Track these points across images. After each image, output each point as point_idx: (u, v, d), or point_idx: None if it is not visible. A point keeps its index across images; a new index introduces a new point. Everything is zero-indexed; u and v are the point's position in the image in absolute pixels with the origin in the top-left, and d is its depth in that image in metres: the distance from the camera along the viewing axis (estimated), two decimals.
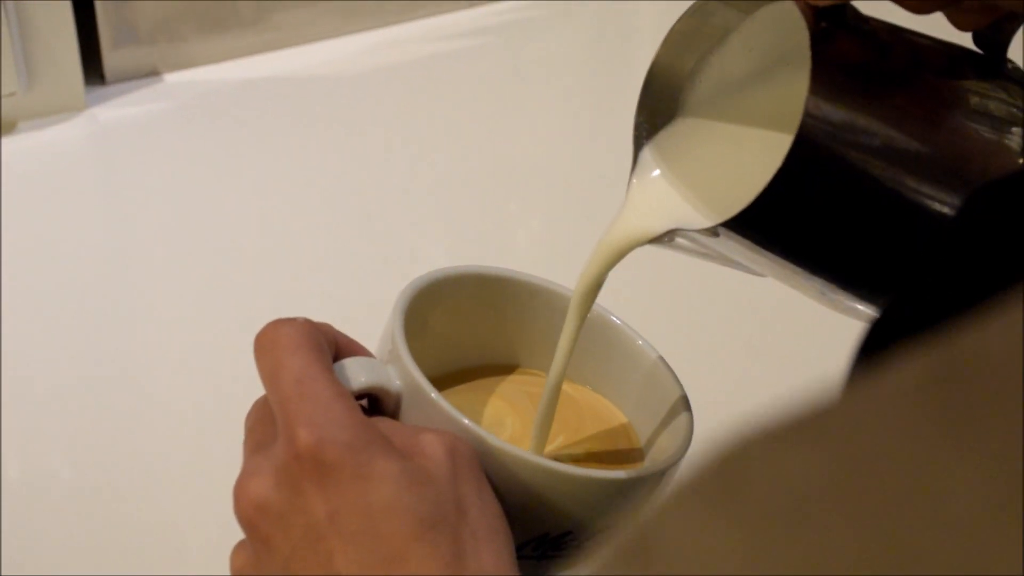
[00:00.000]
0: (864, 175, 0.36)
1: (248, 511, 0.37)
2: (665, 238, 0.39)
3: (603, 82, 0.93)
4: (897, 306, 0.31)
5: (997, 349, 0.17)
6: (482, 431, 0.38)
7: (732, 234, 0.37)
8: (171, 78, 0.86)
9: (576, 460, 0.44)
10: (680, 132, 0.41)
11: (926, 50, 0.38)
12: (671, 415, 0.43)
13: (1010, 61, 0.39)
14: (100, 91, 0.84)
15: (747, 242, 0.37)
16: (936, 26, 0.40)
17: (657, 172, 0.40)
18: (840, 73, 0.36)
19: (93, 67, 0.84)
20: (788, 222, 0.37)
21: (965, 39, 0.40)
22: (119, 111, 0.84)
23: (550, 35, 0.95)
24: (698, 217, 0.38)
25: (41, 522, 0.60)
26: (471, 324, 0.45)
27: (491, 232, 0.79)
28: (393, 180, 0.81)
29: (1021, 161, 0.37)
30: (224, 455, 0.56)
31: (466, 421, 0.38)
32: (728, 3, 0.40)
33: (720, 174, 0.40)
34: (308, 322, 0.39)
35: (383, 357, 0.41)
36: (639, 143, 0.41)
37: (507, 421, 0.44)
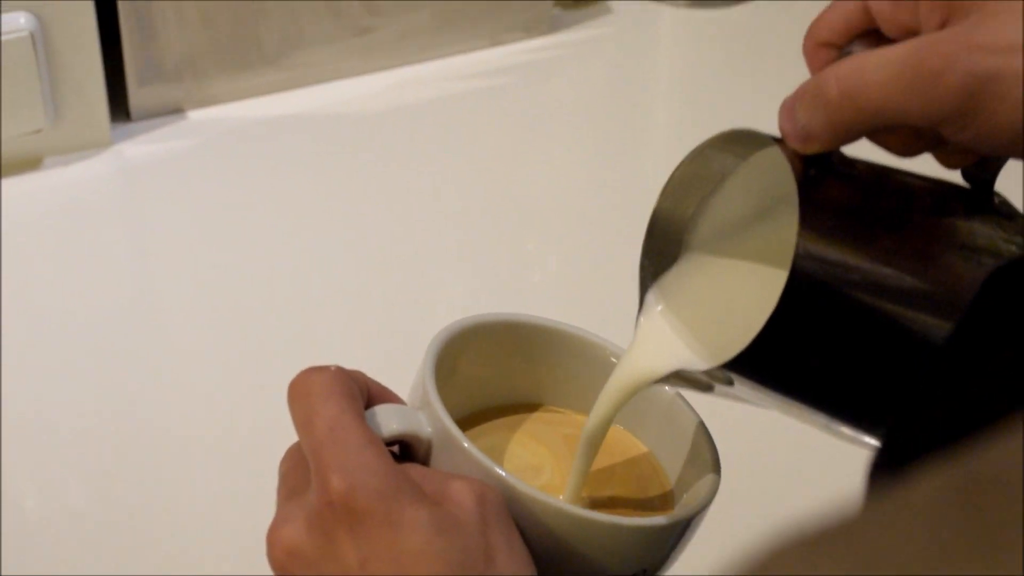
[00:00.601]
0: (857, 314, 0.37)
1: (281, 557, 0.37)
2: (670, 379, 0.41)
3: (621, 123, 0.93)
4: (901, 430, 0.31)
5: (1014, 463, 0.18)
6: (511, 478, 0.39)
7: (733, 374, 0.38)
8: (195, 115, 0.88)
9: (607, 502, 0.44)
10: (683, 273, 0.42)
11: (914, 188, 0.39)
12: (695, 448, 0.44)
13: (997, 194, 0.40)
14: (126, 127, 0.86)
15: (748, 381, 0.38)
16: (926, 162, 0.41)
17: (660, 315, 0.41)
18: (829, 216, 0.37)
19: (119, 104, 0.86)
20: (785, 362, 0.38)
21: (954, 175, 0.41)
22: (144, 147, 0.85)
23: (569, 76, 0.96)
24: (699, 359, 0.39)
25: (59, 553, 0.61)
26: (499, 368, 0.46)
27: (508, 271, 0.79)
28: (413, 218, 0.82)
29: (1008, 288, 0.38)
30: (245, 493, 0.57)
31: (496, 468, 0.39)
32: (723, 150, 0.41)
33: (721, 315, 0.41)
34: (341, 370, 0.40)
35: (414, 403, 0.42)
36: (645, 284, 0.42)
37: (545, 467, 0.45)
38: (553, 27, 0.98)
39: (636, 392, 0.42)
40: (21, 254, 0.78)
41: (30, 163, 0.82)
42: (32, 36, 0.77)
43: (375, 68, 0.92)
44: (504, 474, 0.39)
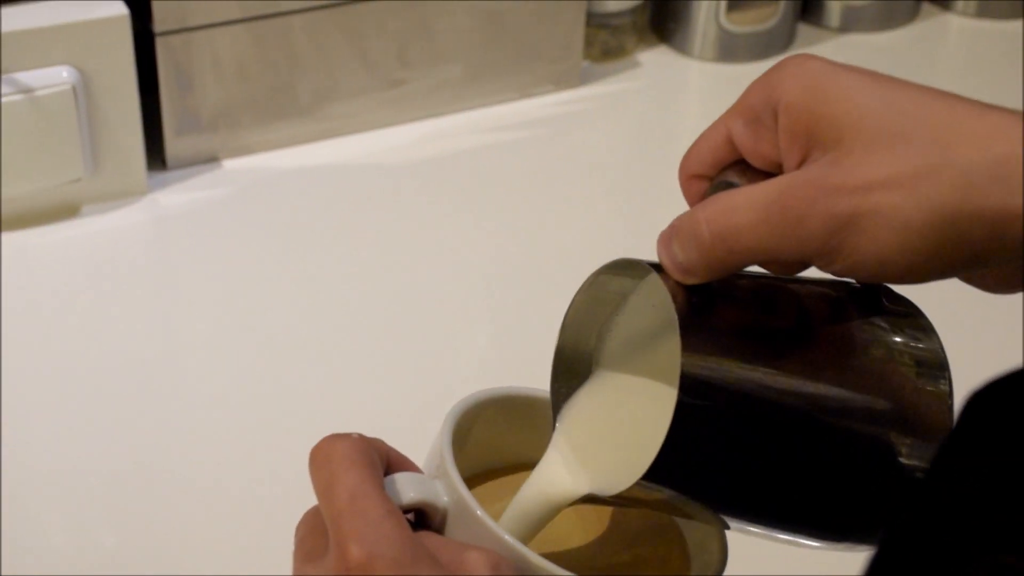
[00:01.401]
0: (759, 430, 0.38)
1: None
2: (579, 503, 0.41)
3: (649, 176, 0.95)
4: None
5: None
6: (525, 549, 0.40)
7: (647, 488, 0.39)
8: (230, 164, 0.89)
9: (627, 564, 0.44)
10: (593, 391, 0.43)
11: (806, 297, 0.40)
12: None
13: (885, 288, 0.41)
14: (162, 176, 0.87)
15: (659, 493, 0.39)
16: None
17: (568, 440, 0.42)
18: (715, 340, 0.38)
19: (156, 153, 0.87)
20: (689, 483, 0.39)
21: None
22: (180, 196, 0.87)
23: (597, 129, 0.98)
24: (603, 485, 0.40)
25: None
26: (513, 437, 0.46)
27: (536, 327, 0.80)
28: (442, 270, 0.83)
29: (905, 386, 0.39)
30: (262, 547, 0.57)
31: (510, 539, 0.40)
32: (617, 275, 0.42)
33: (624, 438, 0.42)
34: (362, 438, 0.41)
35: (431, 471, 0.43)
36: (557, 407, 0.43)
37: (575, 534, 0.45)
38: (582, 80, 0.99)
39: (548, 517, 0.42)
40: (57, 300, 0.79)
41: (68, 211, 0.84)
42: (74, 89, 0.79)
43: (407, 119, 0.94)
44: (518, 545, 0.40)
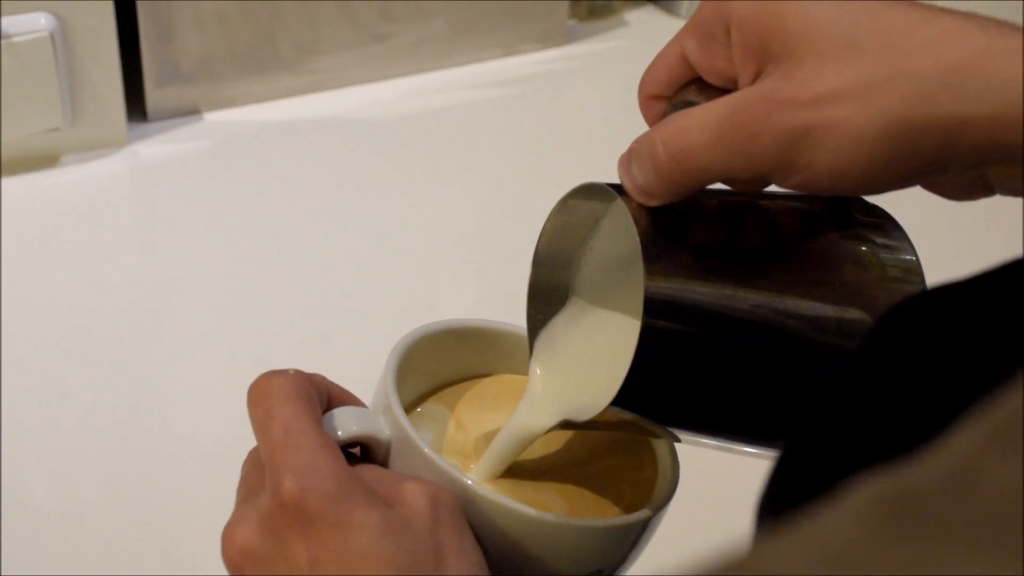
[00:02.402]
0: (724, 348, 0.38)
1: (234, 556, 0.38)
2: (557, 428, 0.41)
3: (632, 134, 0.94)
4: (790, 457, 0.32)
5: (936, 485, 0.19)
6: (467, 479, 0.40)
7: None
8: (211, 117, 0.89)
9: (595, 475, 0.44)
10: (569, 318, 0.43)
11: (775, 212, 0.40)
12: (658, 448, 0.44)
13: (858, 199, 0.41)
14: (142, 128, 0.87)
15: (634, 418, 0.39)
16: None
17: (545, 366, 0.43)
18: (681, 260, 0.38)
19: (136, 104, 0.87)
20: (661, 401, 0.39)
21: None
22: (160, 148, 0.86)
23: (582, 87, 0.97)
24: (579, 410, 0.40)
25: (69, 539, 0.62)
26: (455, 360, 0.47)
27: (516, 279, 0.80)
28: (423, 224, 0.83)
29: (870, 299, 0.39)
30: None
31: (451, 470, 0.40)
32: (586, 199, 0.42)
33: (598, 363, 0.42)
34: (299, 373, 0.41)
35: (377, 407, 0.43)
36: (533, 333, 0.43)
37: (542, 452, 0.45)
38: (568, 38, 0.98)
39: (528, 445, 0.43)
40: (36, 250, 0.78)
41: (47, 160, 0.83)
42: (52, 36, 0.78)
43: (390, 75, 0.93)
44: (459, 476, 0.40)
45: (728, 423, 0.40)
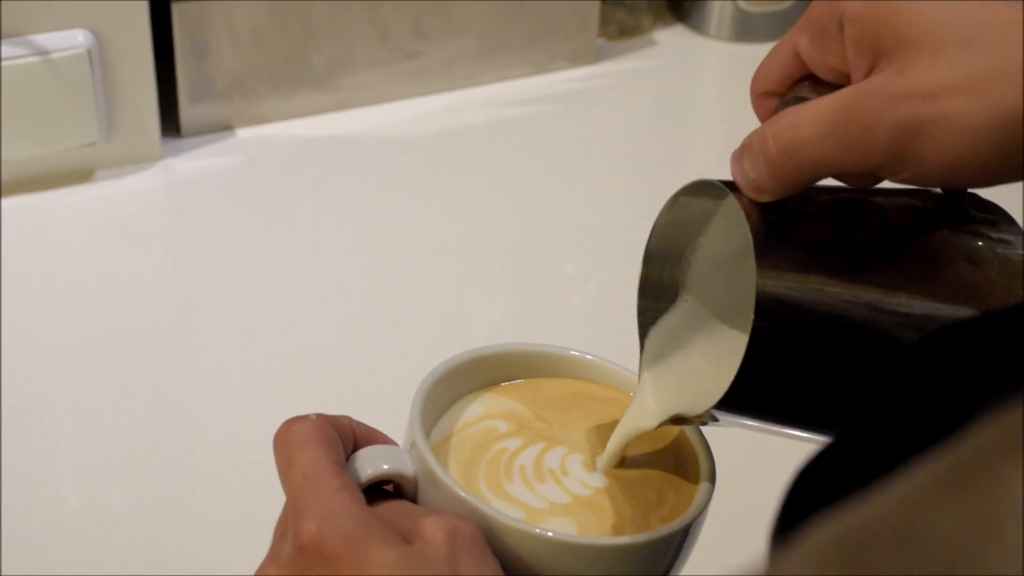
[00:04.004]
0: (838, 344, 0.38)
1: None
2: (666, 424, 0.42)
3: (660, 154, 0.95)
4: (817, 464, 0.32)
5: (890, 514, 0.19)
6: (490, 509, 0.40)
7: (723, 414, 0.39)
8: (244, 133, 0.89)
9: (635, 483, 0.44)
10: (679, 315, 0.43)
11: (888, 209, 0.40)
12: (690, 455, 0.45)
13: (970, 195, 0.41)
14: (176, 143, 0.88)
15: (743, 418, 0.39)
16: None
17: (656, 363, 0.43)
18: (793, 257, 0.38)
19: (170, 120, 0.88)
20: (767, 399, 0.39)
21: None
22: (193, 163, 0.87)
23: (611, 106, 0.97)
24: (689, 407, 0.41)
25: (98, 550, 0.62)
26: (484, 386, 0.47)
27: (548, 295, 0.81)
28: (454, 241, 0.83)
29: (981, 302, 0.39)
30: (270, 502, 0.58)
31: (474, 501, 0.40)
32: (697, 196, 0.42)
33: (708, 359, 0.42)
34: (321, 417, 0.42)
35: (405, 444, 0.43)
36: (644, 328, 0.44)
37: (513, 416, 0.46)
38: (597, 57, 0.99)
39: (637, 437, 0.43)
40: (71, 263, 0.79)
41: (83, 175, 0.84)
42: (89, 53, 0.79)
43: (421, 92, 0.94)
44: (482, 506, 0.40)
45: (819, 417, 0.40)
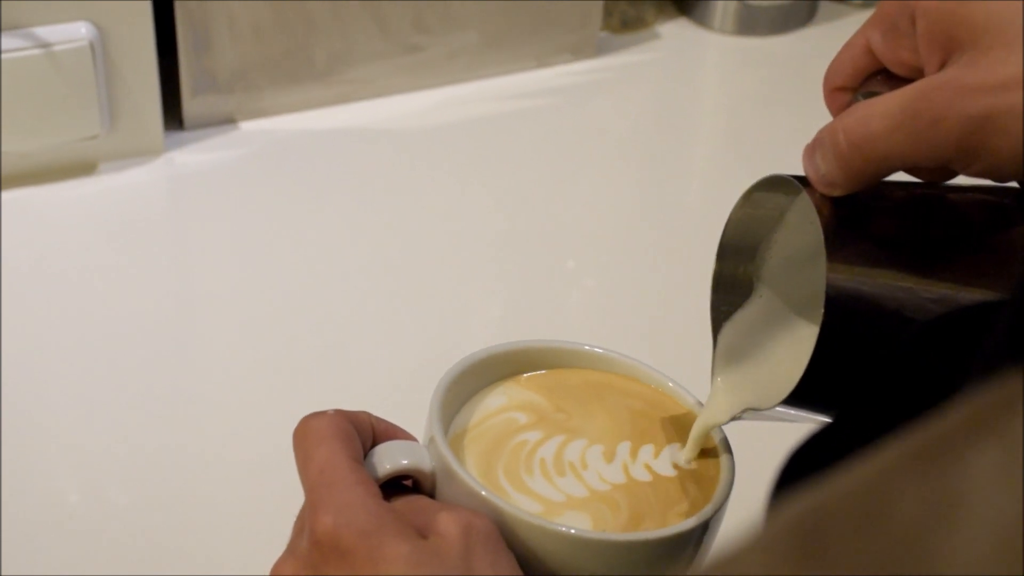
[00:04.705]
0: (902, 342, 0.38)
1: None
2: (738, 417, 0.42)
3: (663, 147, 0.94)
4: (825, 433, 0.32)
5: (854, 495, 0.19)
6: (501, 502, 0.40)
7: (792, 409, 0.39)
8: (246, 126, 0.90)
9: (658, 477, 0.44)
10: (753, 310, 0.44)
11: (962, 207, 0.40)
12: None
13: None
14: (178, 136, 0.88)
15: (813, 413, 0.39)
16: None
17: (730, 355, 0.43)
18: (867, 252, 0.38)
19: (173, 113, 0.88)
20: (835, 393, 0.39)
21: None
22: (195, 156, 0.87)
23: (613, 99, 0.97)
24: (759, 401, 0.41)
25: (96, 545, 0.62)
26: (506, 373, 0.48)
27: (548, 289, 0.81)
28: (455, 235, 0.83)
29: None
30: (270, 498, 0.58)
31: (491, 496, 0.40)
32: (770, 191, 0.42)
33: (784, 350, 0.42)
34: (339, 413, 0.42)
35: (424, 439, 0.44)
36: (718, 323, 0.44)
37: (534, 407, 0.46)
38: (600, 51, 0.99)
39: (711, 431, 0.44)
40: (73, 256, 0.79)
41: (85, 168, 0.84)
42: (91, 45, 0.79)
43: (422, 86, 0.94)
44: (499, 501, 0.40)
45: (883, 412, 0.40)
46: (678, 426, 0.45)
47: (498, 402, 0.46)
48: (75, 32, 0.79)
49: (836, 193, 0.39)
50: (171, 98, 0.87)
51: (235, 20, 0.86)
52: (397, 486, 0.43)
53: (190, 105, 0.88)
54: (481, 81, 0.95)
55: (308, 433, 0.41)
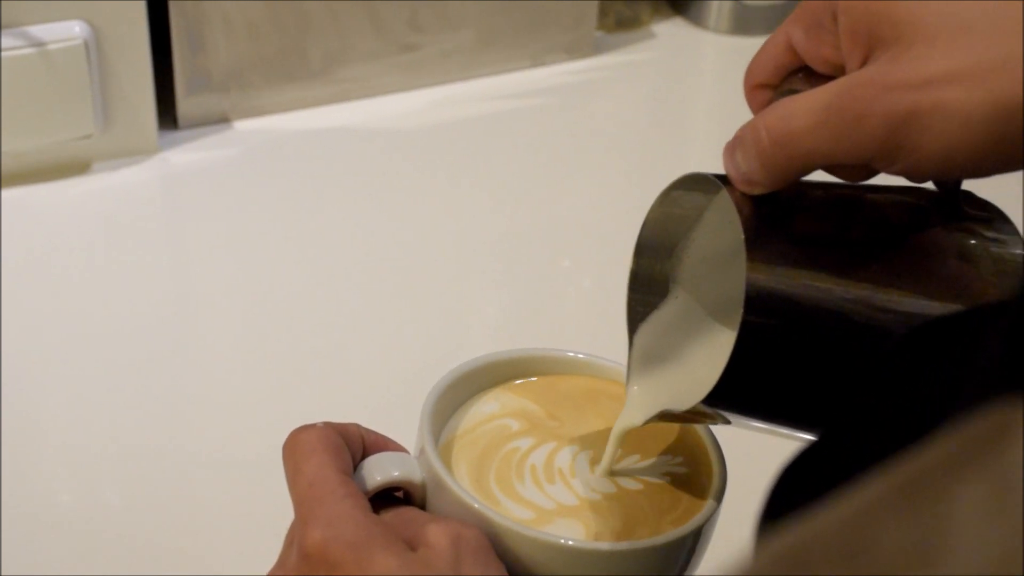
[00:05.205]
0: (821, 342, 0.38)
1: None
2: (654, 420, 0.42)
3: (659, 147, 0.94)
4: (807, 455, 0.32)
5: (840, 529, 0.19)
6: (491, 513, 0.40)
7: (711, 409, 0.39)
8: (241, 125, 0.89)
9: (646, 485, 0.44)
10: (670, 310, 0.43)
11: (882, 206, 0.40)
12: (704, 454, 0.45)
13: (965, 193, 0.40)
14: (172, 135, 0.87)
15: (731, 414, 0.39)
16: None
17: (646, 356, 0.43)
18: (786, 252, 0.38)
19: (167, 112, 0.87)
20: (755, 394, 0.39)
21: None
22: (190, 155, 0.87)
23: (609, 98, 0.97)
24: (682, 398, 0.40)
25: (91, 546, 0.62)
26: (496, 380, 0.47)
27: (544, 289, 0.80)
28: (451, 234, 0.83)
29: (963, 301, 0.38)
30: (265, 499, 0.58)
31: (481, 507, 0.40)
32: (689, 191, 0.42)
33: (701, 351, 0.42)
34: (328, 425, 0.42)
35: (415, 450, 0.43)
36: (634, 324, 0.43)
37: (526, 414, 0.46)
38: (596, 50, 0.99)
39: (625, 435, 0.43)
40: (67, 255, 0.79)
41: (79, 167, 0.84)
42: (86, 44, 0.79)
43: (417, 85, 0.94)
44: (488, 512, 0.40)
45: (808, 415, 0.40)
46: (670, 432, 0.45)
47: (490, 408, 0.46)
48: (69, 31, 0.79)
49: (757, 191, 0.39)
50: (165, 97, 0.87)
51: (229, 19, 0.86)
52: (388, 498, 0.43)
53: (184, 104, 0.88)
54: (476, 80, 0.95)
55: (297, 446, 0.41)
